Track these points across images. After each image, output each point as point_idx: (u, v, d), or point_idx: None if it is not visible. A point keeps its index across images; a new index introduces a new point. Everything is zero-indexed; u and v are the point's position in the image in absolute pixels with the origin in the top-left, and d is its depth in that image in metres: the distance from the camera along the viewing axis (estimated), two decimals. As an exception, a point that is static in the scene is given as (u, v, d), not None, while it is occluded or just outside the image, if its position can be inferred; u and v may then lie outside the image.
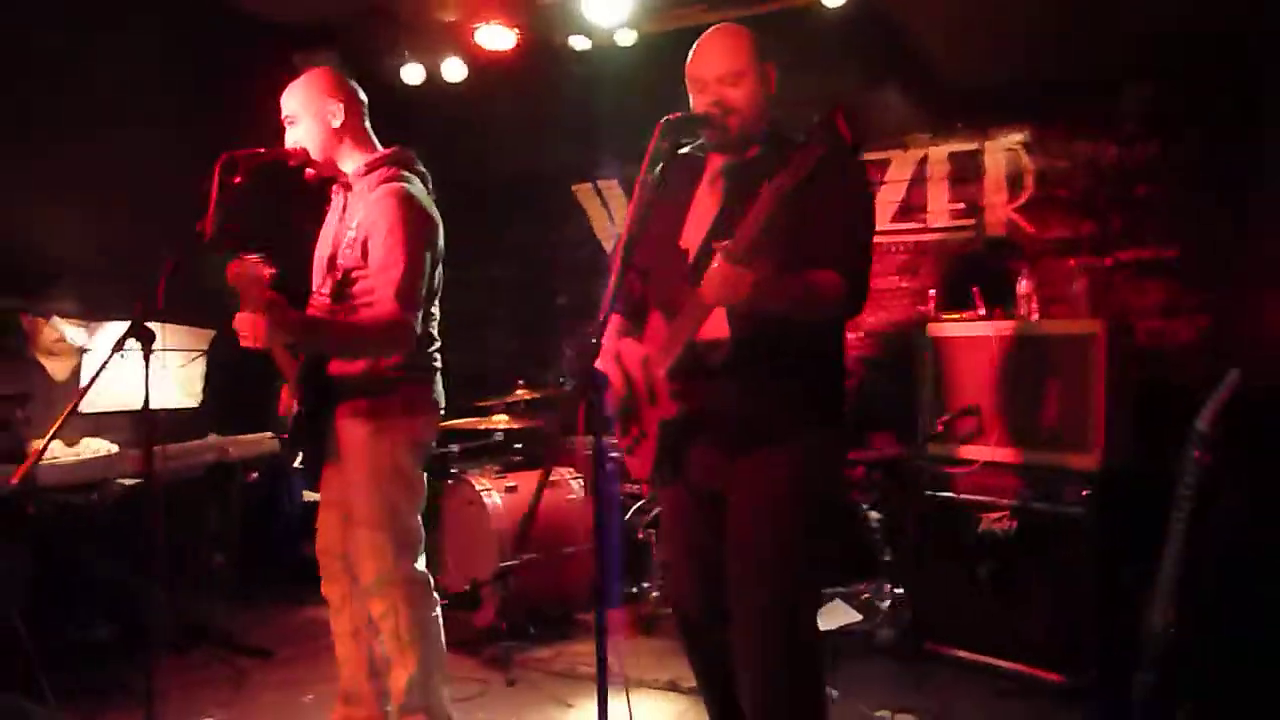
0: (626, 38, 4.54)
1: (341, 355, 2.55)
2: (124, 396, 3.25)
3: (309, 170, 2.60)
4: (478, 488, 3.79)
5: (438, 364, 2.67)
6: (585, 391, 1.90)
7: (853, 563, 3.92)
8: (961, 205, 4.24)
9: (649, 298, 2.32)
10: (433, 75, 4.82)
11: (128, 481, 3.46)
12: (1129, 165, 3.88)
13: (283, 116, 2.60)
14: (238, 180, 2.41)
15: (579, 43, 4.61)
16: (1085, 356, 3.13)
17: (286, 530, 4.40)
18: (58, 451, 3.23)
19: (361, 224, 2.53)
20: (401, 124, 4.92)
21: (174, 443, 3.38)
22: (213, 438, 3.63)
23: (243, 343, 2.39)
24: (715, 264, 1.89)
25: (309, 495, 4.54)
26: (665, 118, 2.06)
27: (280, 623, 3.91)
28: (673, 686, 3.24)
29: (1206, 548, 2.56)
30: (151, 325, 3.20)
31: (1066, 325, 3.28)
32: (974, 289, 3.51)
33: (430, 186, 2.67)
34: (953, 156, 4.25)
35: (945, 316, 3.59)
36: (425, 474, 2.64)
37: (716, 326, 2.12)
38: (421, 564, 2.61)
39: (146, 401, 2.23)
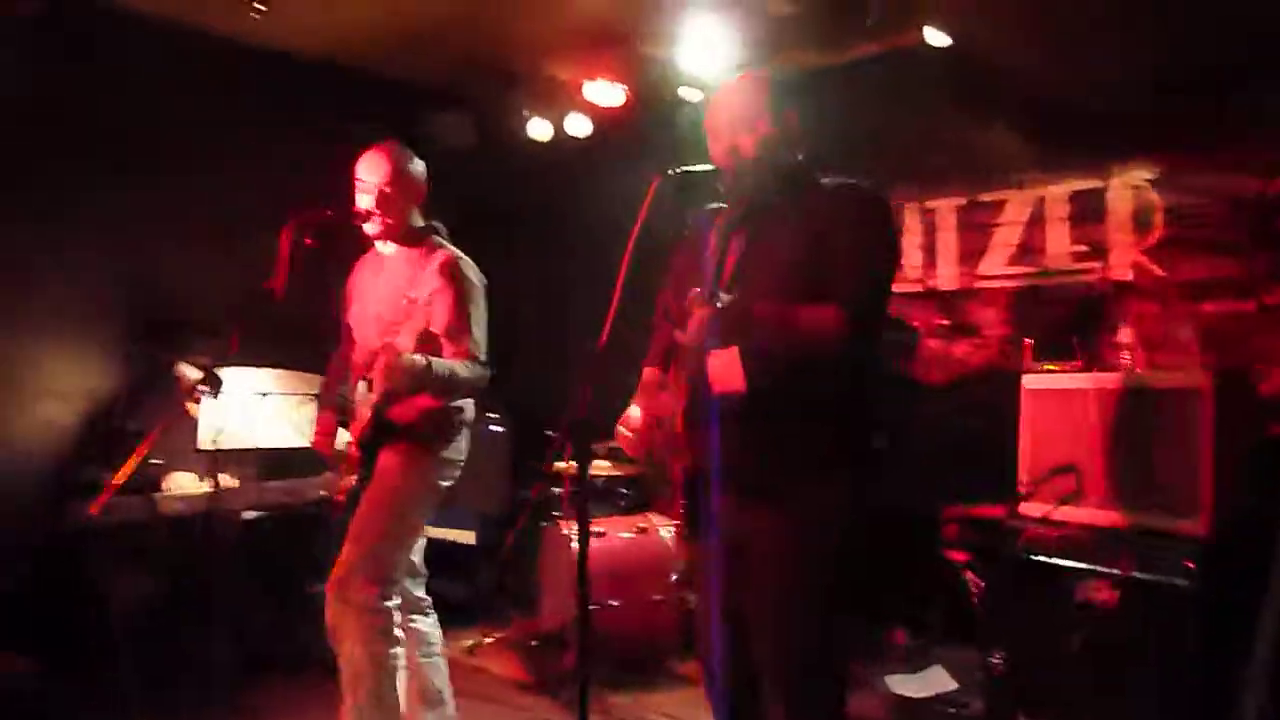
0: (735, 86, 4.58)
1: (440, 395, 2.74)
2: (240, 436, 3.60)
3: (373, 232, 2.81)
4: (565, 532, 3.88)
5: (468, 416, 2.82)
6: (571, 427, 1.96)
7: (949, 626, 3.73)
8: (1084, 247, 3.97)
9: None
10: (558, 130, 5.05)
11: (249, 515, 3.80)
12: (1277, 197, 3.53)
13: (356, 180, 2.83)
14: (308, 242, 2.65)
15: (689, 94, 4.70)
16: (1191, 412, 2.85)
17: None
18: (185, 484, 3.59)
19: (422, 288, 2.73)
20: (527, 178, 5.28)
21: (286, 479, 3.67)
22: (325, 475, 3.91)
23: (375, 383, 2.62)
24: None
25: (431, 532, 4.80)
26: (660, 173, 2.08)
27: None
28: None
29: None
30: (264, 371, 3.55)
31: (1170, 378, 2.99)
32: (1073, 339, 3.27)
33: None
34: (1074, 196, 3.99)
35: (1044, 367, 3.36)
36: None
37: (729, 377, 2.11)
38: (389, 603, 2.70)
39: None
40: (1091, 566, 3.02)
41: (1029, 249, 4.12)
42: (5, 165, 3.56)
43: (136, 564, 3.40)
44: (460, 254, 2.83)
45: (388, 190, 2.78)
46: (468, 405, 2.86)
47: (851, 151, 4.55)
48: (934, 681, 3.62)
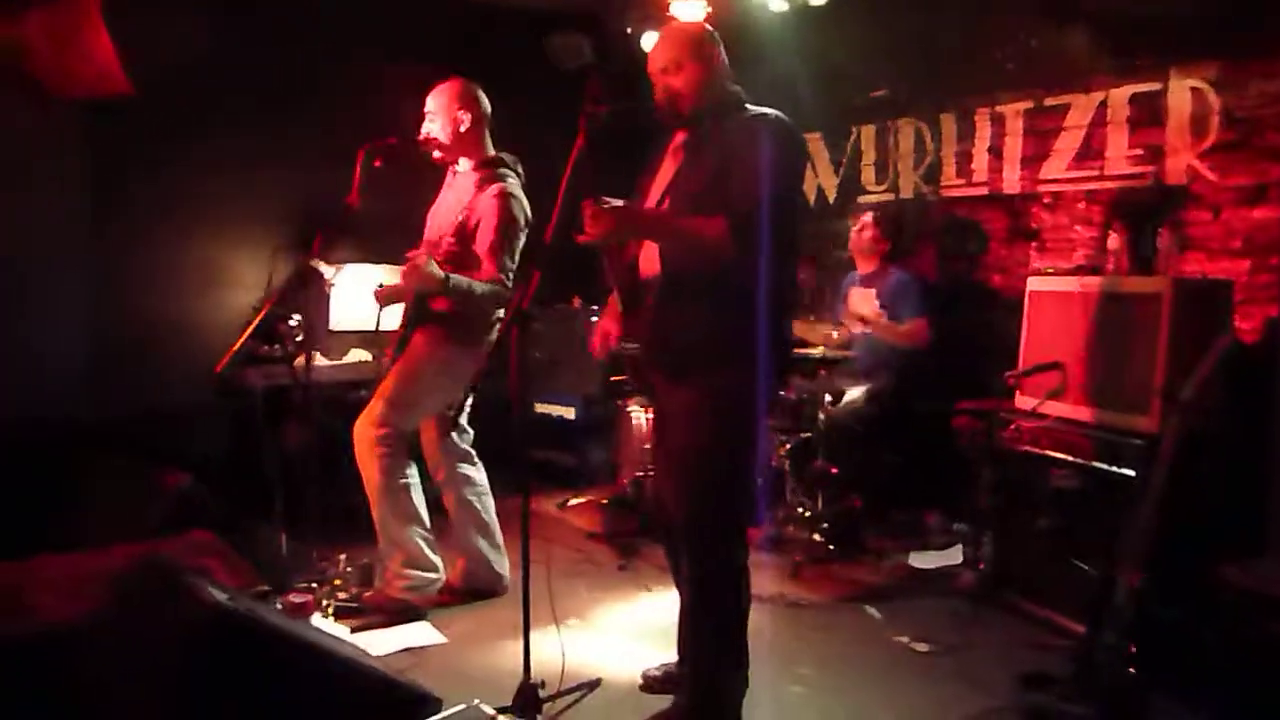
0: (817, -2, 4.79)
1: (461, 304, 3.30)
2: (360, 320, 4.42)
3: (435, 156, 3.42)
4: (630, 408, 4.48)
5: (497, 316, 3.41)
6: (517, 319, 2.48)
7: (956, 507, 4.05)
8: (1140, 151, 3.97)
9: None
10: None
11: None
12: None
13: (424, 111, 3.43)
14: (377, 164, 3.30)
15: (776, 5, 4.93)
16: (1154, 315, 3.00)
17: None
18: (326, 360, 4.47)
19: (472, 209, 3.34)
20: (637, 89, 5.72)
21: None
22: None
23: (404, 282, 3.27)
24: None
25: (540, 408, 5.55)
26: (585, 113, 2.49)
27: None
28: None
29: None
30: (381, 267, 4.29)
31: (1139, 283, 3.13)
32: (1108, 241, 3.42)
33: (521, 173, 3.46)
34: (1134, 99, 3.98)
35: (1045, 270, 3.54)
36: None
37: (650, 266, 2.56)
38: (390, 443, 3.31)
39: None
40: (1058, 456, 3.27)
41: (1090, 152, 4.16)
42: (204, 113, 4.44)
43: (285, 418, 4.30)
44: (515, 189, 3.37)
45: (442, 118, 3.37)
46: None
47: (924, 56, 4.72)
48: (945, 557, 3.97)
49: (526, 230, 3.39)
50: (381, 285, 3.48)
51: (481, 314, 3.39)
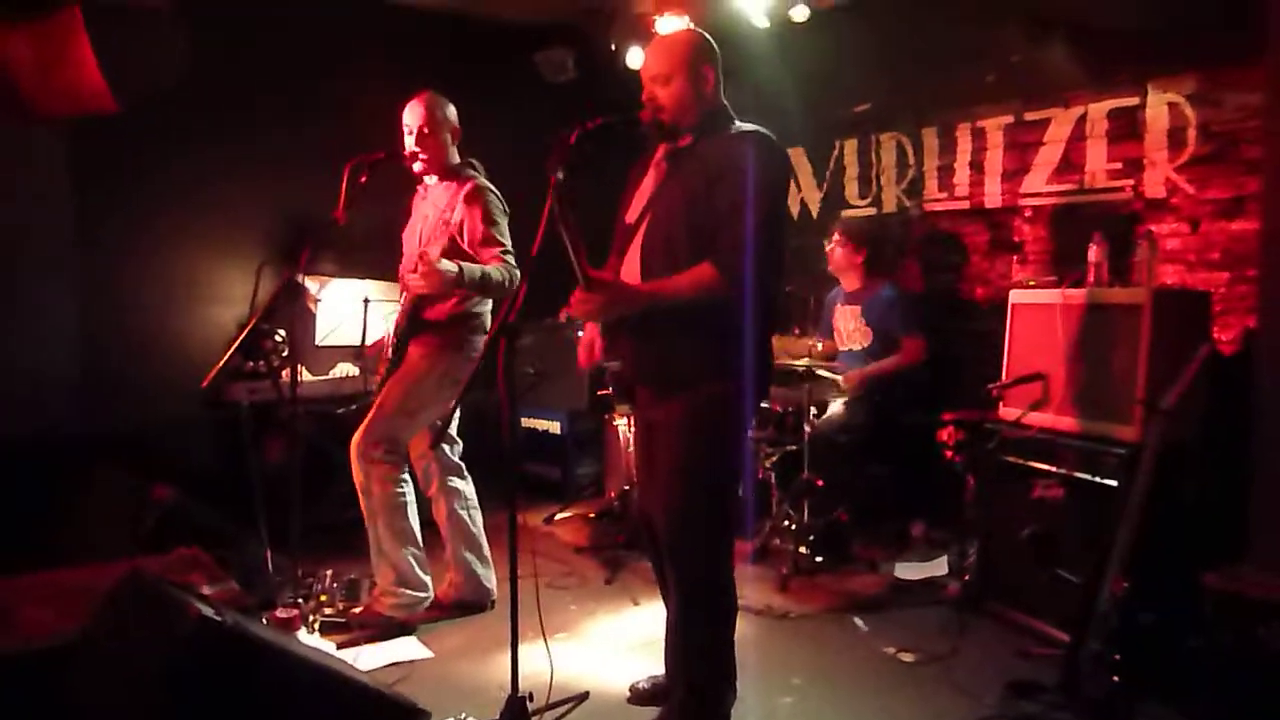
0: (800, 14, 4.84)
1: (479, 292, 3.33)
2: (348, 335, 4.41)
3: (416, 170, 3.44)
4: (616, 423, 4.48)
5: (485, 322, 3.44)
6: (504, 332, 2.47)
7: (941, 518, 4.07)
8: (1119, 165, 4.03)
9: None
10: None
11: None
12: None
13: (404, 125, 3.45)
14: (364, 179, 3.30)
15: (759, 21, 4.98)
16: (1134, 326, 3.04)
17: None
18: (312, 375, 4.45)
19: (457, 210, 3.37)
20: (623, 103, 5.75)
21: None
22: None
23: (413, 286, 3.24)
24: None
25: (527, 422, 5.55)
26: (581, 126, 2.48)
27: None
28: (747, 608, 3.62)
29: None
30: (367, 281, 4.29)
31: (1119, 294, 3.17)
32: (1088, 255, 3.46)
33: (484, 174, 3.52)
34: (1112, 113, 4.04)
35: (1028, 283, 3.58)
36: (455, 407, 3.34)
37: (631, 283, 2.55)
38: (390, 457, 3.32)
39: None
40: (1041, 466, 3.30)
41: (1069, 166, 4.21)
42: (187, 128, 4.45)
43: (271, 433, 4.28)
44: (487, 184, 3.43)
45: (425, 132, 3.39)
46: (485, 312, 3.47)
47: (906, 70, 4.78)
48: (931, 567, 3.99)
49: (507, 216, 3.43)
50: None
51: (475, 320, 3.42)
